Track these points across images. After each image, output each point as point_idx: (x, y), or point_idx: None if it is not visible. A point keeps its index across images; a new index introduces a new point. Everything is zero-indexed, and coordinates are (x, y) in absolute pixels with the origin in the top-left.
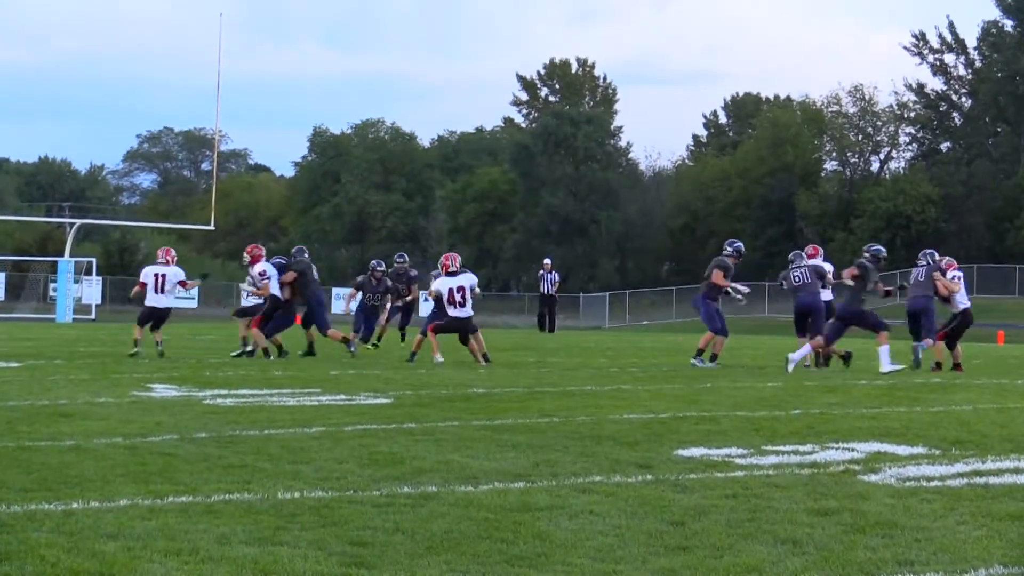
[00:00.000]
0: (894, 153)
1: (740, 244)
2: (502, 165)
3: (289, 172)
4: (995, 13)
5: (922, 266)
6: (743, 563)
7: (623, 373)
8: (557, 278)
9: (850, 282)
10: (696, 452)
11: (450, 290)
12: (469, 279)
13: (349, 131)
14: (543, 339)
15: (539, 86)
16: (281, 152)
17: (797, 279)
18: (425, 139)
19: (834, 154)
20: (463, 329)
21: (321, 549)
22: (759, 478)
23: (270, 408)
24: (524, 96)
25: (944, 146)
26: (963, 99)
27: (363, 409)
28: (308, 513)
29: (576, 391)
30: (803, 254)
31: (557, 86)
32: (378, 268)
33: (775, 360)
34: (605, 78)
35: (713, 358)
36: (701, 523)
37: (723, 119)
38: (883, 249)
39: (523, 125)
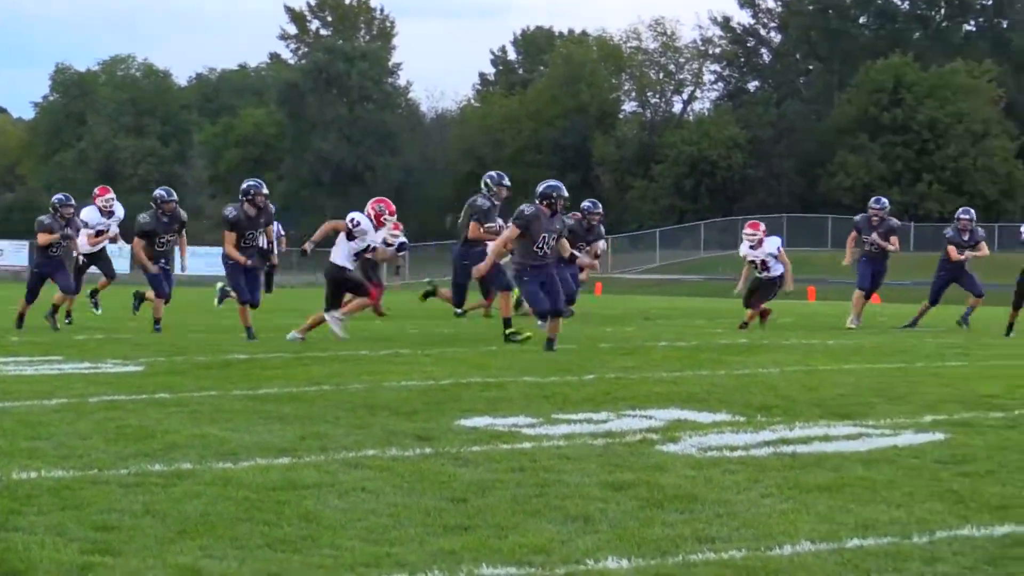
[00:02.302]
0: (698, 93)
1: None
2: (268, 106)
3: (28, 114)
4: None
5: None
6: (529, 543)
7: (401, 335)
8: (281, 231)
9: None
10: (480, 422)
11: None
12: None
13: (96, 68)
14: (311, 299)
15: (309, 18)
16: (18, 92)
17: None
18: (182, 77)
19: (633, 94)
20: None
21: (61, 535)
22: (548, 449)
23: (4, 378)
24: (292, 29)
25: (752, 85)
26: (772, 34)
27: (110, 378)
28: (46, 495)
29: (348, 356)
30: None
31: (329, 18)
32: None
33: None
34: (382, 10)
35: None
36: (484, 500)
37: (512, 55)
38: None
39: (291, 62)
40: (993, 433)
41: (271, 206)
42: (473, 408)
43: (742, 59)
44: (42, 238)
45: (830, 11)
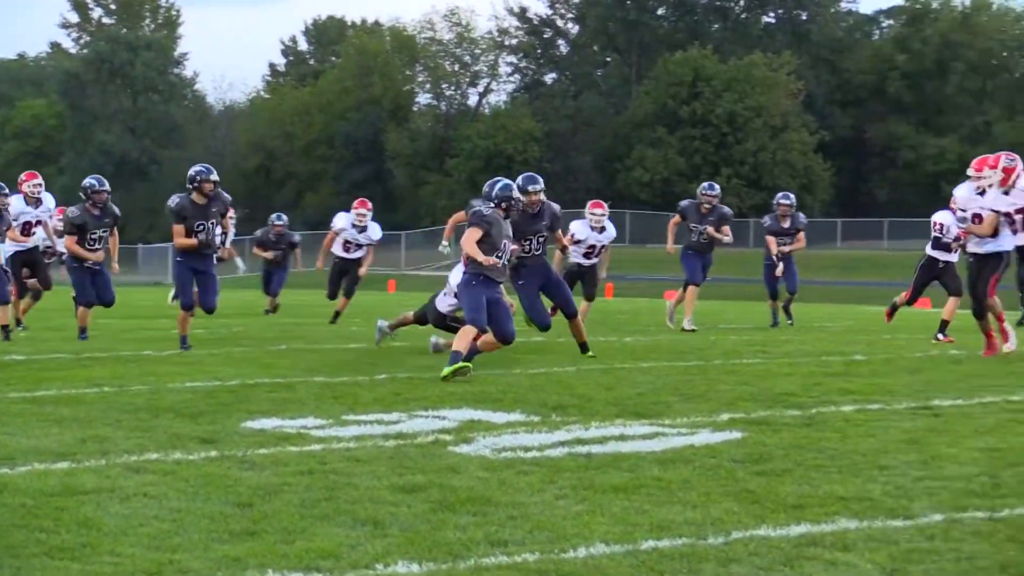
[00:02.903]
0: (494, 85)
1: None
2: (48, 97)
3: None
4: None
5: None
6: (317, 548)
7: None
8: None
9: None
10: (268, 424)
11: None
12: None
13: None
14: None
15: (91, 6)
16: None
17: None
18: None
19: (428, 86)
20: None
21: None
22: (338, 452)
23: None
24: (74, 17)
25: (549, 77)
26: (569, 25)
27: None
28: None
29: (131, 357)
30: None
31: (112, 6)
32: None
33: (366, 319)
34: None
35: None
36: (271, 504)
37: (304, 46)
38: None
39: (73, 51)
40: (789, 431)
41: (224, 194)
42: (260, 409)
43: (539, 51)
44: None
45: (628, 2)
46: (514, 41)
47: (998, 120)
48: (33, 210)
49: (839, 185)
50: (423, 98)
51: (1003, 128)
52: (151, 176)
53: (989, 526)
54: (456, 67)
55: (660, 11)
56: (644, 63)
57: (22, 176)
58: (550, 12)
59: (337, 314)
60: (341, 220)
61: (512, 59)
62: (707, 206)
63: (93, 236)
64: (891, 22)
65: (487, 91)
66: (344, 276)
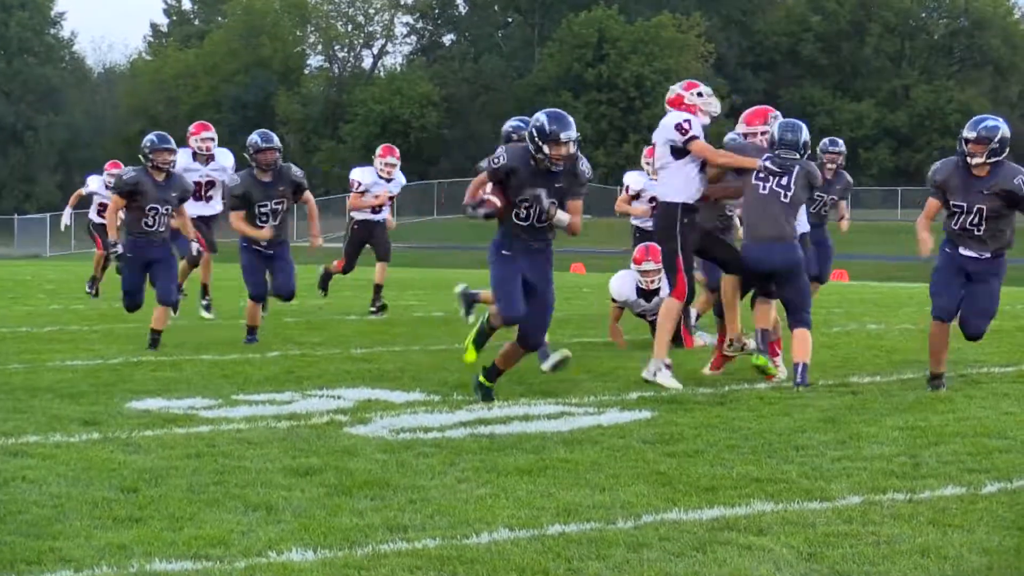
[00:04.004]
0: (389, 47)
1: None
2: None
3: None
4: None
5: None
6: (206, 535)
7: (66, 312)
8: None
9: None
10: (153, 404)
11: None
12: None
13: None
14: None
15: None
16: None
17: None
18: None
19: (319, 47)
20: None
21: None
22: (228, 433)
23: None
24: None
25: (447, 39)
26: None
27: None
28: None
29: (7, 334)
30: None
31: None
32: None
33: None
34: None
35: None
36: (158, 489)
37: (187, 4)
38: None
39: None
40: (701, 410)
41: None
42: (145, 389)
43: (436, 10)
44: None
45: None
46: (410, 0)
47: (916, 84)
48: (203, 168)
49: None
50: (315, 60)
51: (921, 92)
52: (27, 142)
53: (909, 508)
54: (349, 28)
55: None
56: (547, 24)
57: (191, 128)
58: None
59: (378, 288)
60: (364, 175)
61: (408, 19)
62: (831, 168)
63: (263, 209)
64: None
65: (382, 53)
66: (369, 242)
